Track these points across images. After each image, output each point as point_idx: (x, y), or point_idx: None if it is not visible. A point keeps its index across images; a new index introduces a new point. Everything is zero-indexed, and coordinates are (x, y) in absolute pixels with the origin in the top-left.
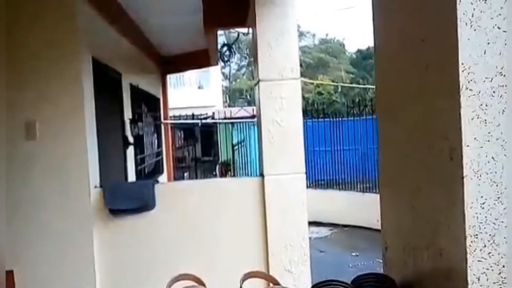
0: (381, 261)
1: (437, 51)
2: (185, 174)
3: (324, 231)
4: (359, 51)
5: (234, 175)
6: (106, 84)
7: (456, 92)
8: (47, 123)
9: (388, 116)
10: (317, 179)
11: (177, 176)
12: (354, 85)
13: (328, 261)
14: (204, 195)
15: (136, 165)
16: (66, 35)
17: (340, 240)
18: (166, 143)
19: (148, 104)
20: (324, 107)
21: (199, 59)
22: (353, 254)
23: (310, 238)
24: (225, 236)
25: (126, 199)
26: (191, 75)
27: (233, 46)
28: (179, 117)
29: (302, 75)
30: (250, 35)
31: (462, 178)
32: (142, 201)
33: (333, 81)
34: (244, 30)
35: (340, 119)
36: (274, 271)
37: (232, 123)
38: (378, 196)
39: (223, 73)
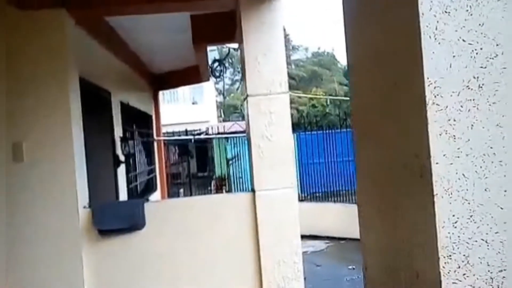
0: None
1: (404, 65)
2: (181, 190)
3: (320, 245)
4: None
5: (229, 190)
6: (95, 103)
7: (423, 107)
8: (34, 144)
9: (363, 133)
10: (312, 192)
11: (172, 192)
12: (345, 98)
13: (325, 275)
14: (196, 213)
15: (128, 183)
16: (53, 55)
17: (336, 253)
18: (159, 160)
19: (140, 122)
20: (318, 119)
21: (190, 75)
22: (350, 267)
23: (306, 252)
24: (217, 253)
25: (115, 219)
26: (185, 91)
27: (225, 61)
28: (173, 133)
29: (295, 88)
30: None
31: (433, 196)
32: (132, 221)
33: (325, 94)
34: (235, 45)
35: (334, 131)
36: None
37: (226, 138)
38: None
39: (216, 88)
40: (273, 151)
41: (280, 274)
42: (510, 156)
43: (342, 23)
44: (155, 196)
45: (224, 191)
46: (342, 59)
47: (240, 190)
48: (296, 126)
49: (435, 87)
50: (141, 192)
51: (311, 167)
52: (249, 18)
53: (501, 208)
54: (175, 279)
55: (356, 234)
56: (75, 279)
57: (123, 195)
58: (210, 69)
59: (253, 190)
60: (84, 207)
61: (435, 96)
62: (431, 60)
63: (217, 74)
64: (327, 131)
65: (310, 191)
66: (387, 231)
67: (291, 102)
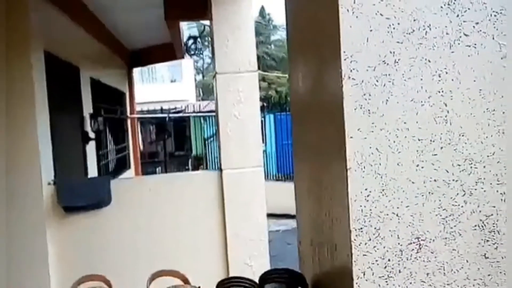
0: None
1: (325, 41)
2: (158, 169)
3: (292, 224)
4: None
5: (206, 169)
6: (62, 79)
7: (339, 81)
8: None
9: (297, 111)
10: (287, 172)
11: (149, 171)
12: None
13: (296, 253)
14: (163, 191)
15: (99, 160)
16: (15, 27)
17: None
18: (133, 138)
19: (112, 99)
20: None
21: (165, 52)
22: None
23: (278, 231)
24: (184, 231)
25: (81, 196)
26: (164, 70)
27: (200, 38)
28: (152, 111)
29: (275, 68)
30: None
31: (346, 170)
32: (97, 198)
33: None
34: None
35: None
36: (234, 266)
37: (204, 117)
38: None
39: (196, 67)
40: (241, 130)
41: (246, 252)
42: (423, 132)
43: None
44: (128, 174)
45: (200, 169)
46: None
47: (217, 168)
48: (274, 107)
49: (351, 61)
50: (113, 170)
51: (285, 148)
52: None
53: (413, 183)
54: (139, 257)
55: None
56: (39, 255)
57: (93, 172)
58: (185, 46)
59: (220, 169)
60: (49, 183)
61: (351, 71)
62: (347, 34)
63: (192, 51)
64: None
65: (286, 171)
66: (314, 207)
67: (271, 82)
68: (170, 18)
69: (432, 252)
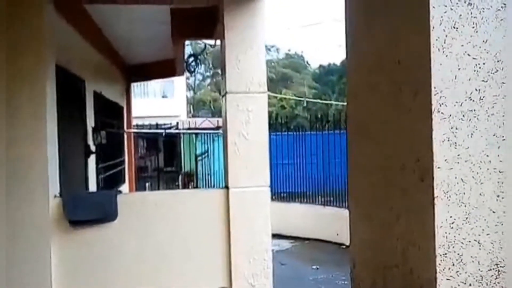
0: (338, 273)
1: (411, 74)
2: (147, 184)
3: (285, 244)
4: (321, 66)
5: (196, 186)
6: (70, 91)
7: (429, 115)
8: (6, 130)
9: (359, 134)
10: (279, 191)
11: (139, 186)
12: (318, 100)
13: (289, 274)
14: (168, 207)
15: (98, 174)
16: (30, 39)
17: (301, 253)
18: (129, 152)
19: (112, 112)
20: (287, 120)
21: (165, 68)
22: (314, 267)
23: (272, 251)
24: (188, 248)
25: (87, 209)
26: (156, 85)
27: (200, 56)
28: (143, 126)
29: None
30: (216, 47)
31: (433, 198)
32: (104, 212)
33: (296, 95)
34: (211, 41)
35: (303, 133)
36: (237, 284)
37: (196, 134)
38: (338, 209)
39: (187, 84)
40: (249, 150)
41: (250, 270)
42: (504, 165)
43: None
44: (123, 188)
45: (191, 187)
46: (312, 62)
47: (208, 186)
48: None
49: (440, 97)
50: (110, 183)
51: (279, 168)
52: (232, 16)
53: (493, 212)
54: (144, 272)
55: (320, 235)
56: (42, 268)
57: (92, 186)
58: (185, 64)
59: (226, 187)
60: (55, 196)
61: (440, 105)
62: (438, 71)
63: (192, 69)
64: (296, 133)
65: (277, 190)
66: (380, 230)
67: None
68: (176, 35)
69: (510, 279)
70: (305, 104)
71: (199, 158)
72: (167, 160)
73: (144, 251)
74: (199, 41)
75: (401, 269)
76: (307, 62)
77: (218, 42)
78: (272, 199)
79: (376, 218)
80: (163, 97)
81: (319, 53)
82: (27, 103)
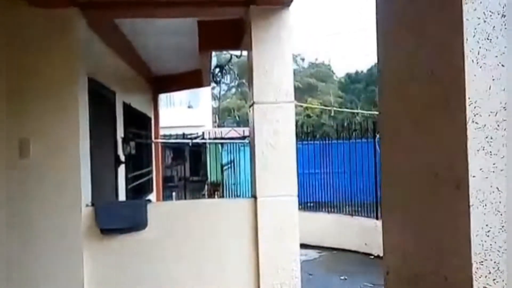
0: (369, 285)
1: (444, 85)
2: (173, 194)
3: (312, 254)
4: (347, 75)
5: (222, 196)
6: (101, 103)
7: (463, 125)
8: (41, 141)
9: (391, 142)
10: (306, 201)
11: (165, 195)
12: (345, 109)
13: (317, 284)
14: (196, 216)
15: (127, 184)
16: (65, 54)
17: (328, 263)
18: (156, 162)
19: (140, 123)
20: (313, 129)
21: (191, 79)
22: (341, 277)
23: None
24: (217, 258)
25: (118, 218)
26: (181, 95)
27: (226, 67)
28: (169, 136)
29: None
30: (242, 57)
31: (469, 207)
32: (134, 221)
33: (321, 104)
34: (237, 52)
35: (329, 142)
36: None
37: (222, 144)
38: (365, 219)
39: (212, 93)
40: (276, 159)
41: (278, 280)
42: None
43: (375, 30)
44: (151, 197)
45: (217, 196)
46: (338, 71)
47: (233, 196)
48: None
49: (475, 107)
50: (138, 193)
51: (305, 177)
52: (259, 27)
53: None
54: (174, 281)
55: (347, 245)
56: (74, 277)
57: (122, 196)
58: (211, 74)
59: (254, 196)
60: (87, 205)
61: (474, 115)
62: (472, 82)
63: (218, 79)
64: (322, 142)
65: (304, 200)
66: (413, 237)
67: None
68: (204, 47)
69: None
70: (332, 114)
71: (225, 167)
72: (193, 170)
73: (173, 259)
74: (225, 52)
75: (435, 277)
76: (332, 71)
77: (244, 52)
78: (299, 208)
79: (409, 226)
80: (188, 107)
81: (345, 62)
82: (61, 116)
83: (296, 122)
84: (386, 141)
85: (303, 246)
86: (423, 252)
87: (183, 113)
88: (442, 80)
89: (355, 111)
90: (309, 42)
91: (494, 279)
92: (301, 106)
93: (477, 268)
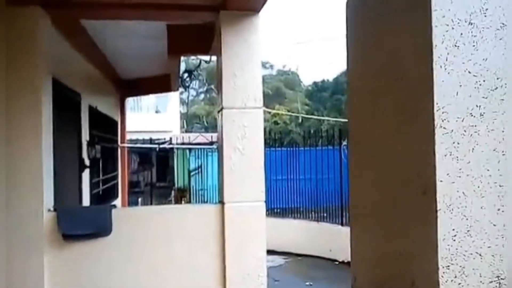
0: None
1: (413, 90)
2: (139, 200)
3: (279, 260)
4: (314, 83)
5: (189, 202)
6: (66, 105)
7: (431, 130)
8: (2, 143)
9: (360, 149)
10: (273, 207)
11: (131, 201)
12: (313, 116)
13: None
14: (162, 222)
15: (91, 188)
16: (26, 52)
17: (294, 269)
18: (122, 167)
19: (106, 127)
20: (281, 136)
21: (159, 83)
22: (307, 283)
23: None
24: (182, 264)
25: (82, 224)
26: (149, 100)
27: (195, 72)
28: (136, 141)
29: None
30: (211, 62)
31: (436, 211)
32: (98, 227)
33: (289, 111)
34: (206, 57)
35: (297, 148)
36: None
37: (189, 149)
38: (331, 225)
39: (181, 99)
40: (244, 164)
41: (245, 286)
42: (504, 179)
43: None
44: (116, 203)
45: (183, 202)
46: (305, 79)
47: (200, 202)
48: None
49: (443, 112)
50: (103, 198)
51: (273, 183)
52: (228, 32)
53: (494, 225)
54: (135, 287)
55: (313, 251)
56: (35, 281)
57: (86, 201)
58: (180, 79)
59: (221, 202)
60: (49, 210)
61: (442, 121)
62: (440, 87)
63: (187, 84)
64: (289, 149)
65: (271, 206)
66: (381, 243)
67: None
68: (172, 51)
69: None
70: (300, 120)
71: (192, 173)
72: (160, 175)
73: (137, 266)
74: (194, 57)
75: (402, 281)
76: (299, 79)
77: (214, 57)
78: (266, 214)
79: (377, 232)
80: (156, 112)
81: (312, 70)
82: (24, 115)
83: (264, 128)
84: (354, 148)
85: (270, 252)
86: (391, 258)
87: (151, 118)
88: (411, 86)
89: (322, 118)
90: (277, 50)
91: (459, 284)
92: (269, 112)
93: (444, 273)
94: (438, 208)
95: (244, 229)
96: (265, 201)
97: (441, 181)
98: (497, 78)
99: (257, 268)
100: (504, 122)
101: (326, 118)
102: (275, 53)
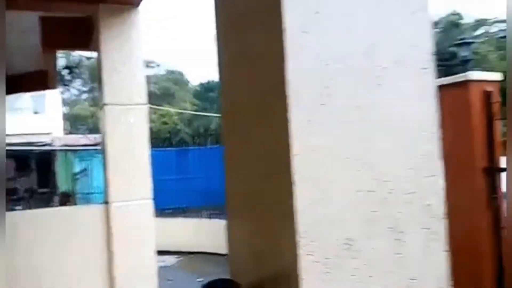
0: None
1: (269, 74)
2: (18, 208)
3: (171, 260)
4: (201, 84)
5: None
6: None
7: (285, 111)
8: None
9: (230, 143)
10: (164, 208)
11: (7, 210)
12: (201, 113)
13: None
14: (41, 227)
15: None
16: None
17: (186, 267)
18: None
19: None
20: (170, 136)
21: (36, 80)
22: (198, 280)
23: (157, 267)
24: (67, 270)
25: None
26: (26, 100)
27: (75, 69)
28: (12, 144)
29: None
30: (93, 59)
31: (292, 183)
32: None
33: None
34: (87, 54)
35: (186, 148)
36: None
37: (74, 151)
38: (222, 221)
39: (63, 99)
40: (129, 162)
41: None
42: (351, 152)
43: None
44: None
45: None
46: (193, 79)
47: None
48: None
49: (296, 96)
50: None
51: (163, 183)
52: (108, 26)
53: (344, 195)
54: None
55: (206, 247)
56: None
57: None
58: (59, 76)
59: (106, 202)
60: None
61: (296, 102)
62: (292, 71)
63: (67, 82)
64: (179, 148)
65: (162, 207)
66: (252, 221)
67: None
68: (47, 45)
69: (359, 251)
70: (188, 120)
71: (77, 176)
72: (42, 181)
73: (14, 277)
74: (74, 53)
75: (271, 253)
76: (187, 79)
77: (95, 54)
78: (157, 215)
79: (247, 208)
80: (35, 113)
81: (199, 69)
82: None
83: (153, 128)
84: (227, 141)
85: (163, 253)
86: (261, 233)
87: (29, 119)
88: (267, 70)
89: (211, 114)
90: (165, 49)
91: (316, 246)
92: (156, 112)
93: (302, 238)
94: (294, 180)
95: (131, 228)
96: (156, 202)
97: (297, 155)
98: (340, 62)
99: (147, 269)
100: (353, 101)
101: (214, 115)
102: (161, 53)
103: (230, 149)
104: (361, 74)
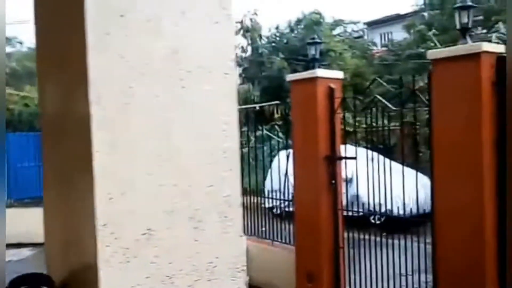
0: None
1: (72, 70)
2: None
3: (25, 252)
4: None
5: None
6: None
7: (87, 107)
8: None
9: (47, 139)
10: (22, 197)
11: None
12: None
13: None
14: None
15: None
16: None
17: (40, 260)
18: None
19: None
20: (32, 119)
21: None
22: (45, 272)
23: (9, 261)
24: None
25: None
26: None
27: None
28: None
29: (6, 84)
30: None
31: (93, 178)
32: None
33: None
34: None
35: None
36: None
37: None
38: None
39: None
40: None
41: None
42: (153, 148)
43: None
44: None
45: None
46: None
47: None
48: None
49: (98, 91)
50: None
51: (22, 171)
52: None
53: (146, 187)
54: None
55: None
56: None
57: None
58: None
59: None
60: None
61: (98, 98)
62: (95, 68)
63: None
64: (41, 133)
65: (19, 196)
66: (63, 217)
67: None
68: None
69: (159, 239)
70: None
71: None
72: None
73: None
74: None
75: (77, 246)
76: None
77: None
78: (14, 206)
79: (60, 203)
80: None
81: None
82: None
83: (12, 110)
84: (46, 137)
85: (15, 245)
86: (70, 224)
87: None
88: (71, 66)
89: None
90: (24, 25)
91: (116, 238)
92: (18, 94)
93: (101, 231)
94: (94, 175)
95: None
96: (12, 192)
97: (97, 151)
98: (146, 64)
99: None
100: (155, 102)
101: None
102: (22, 29)
103: (46, 141)
104: (165, 76)
